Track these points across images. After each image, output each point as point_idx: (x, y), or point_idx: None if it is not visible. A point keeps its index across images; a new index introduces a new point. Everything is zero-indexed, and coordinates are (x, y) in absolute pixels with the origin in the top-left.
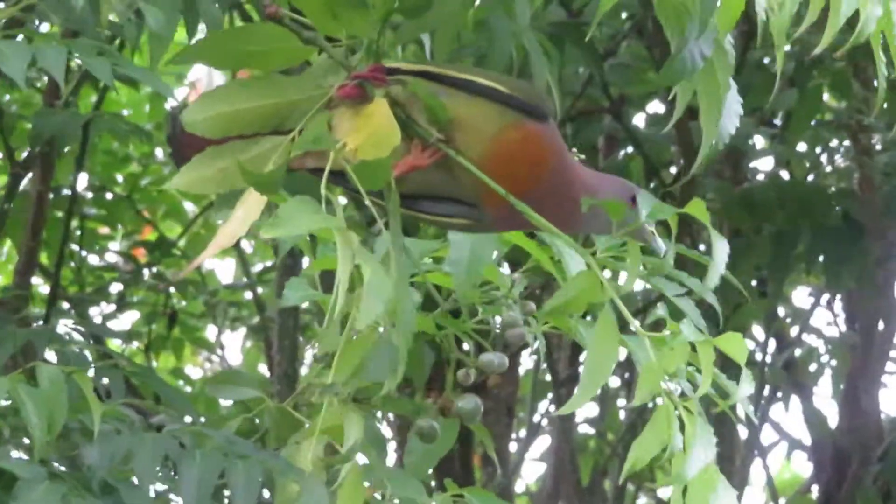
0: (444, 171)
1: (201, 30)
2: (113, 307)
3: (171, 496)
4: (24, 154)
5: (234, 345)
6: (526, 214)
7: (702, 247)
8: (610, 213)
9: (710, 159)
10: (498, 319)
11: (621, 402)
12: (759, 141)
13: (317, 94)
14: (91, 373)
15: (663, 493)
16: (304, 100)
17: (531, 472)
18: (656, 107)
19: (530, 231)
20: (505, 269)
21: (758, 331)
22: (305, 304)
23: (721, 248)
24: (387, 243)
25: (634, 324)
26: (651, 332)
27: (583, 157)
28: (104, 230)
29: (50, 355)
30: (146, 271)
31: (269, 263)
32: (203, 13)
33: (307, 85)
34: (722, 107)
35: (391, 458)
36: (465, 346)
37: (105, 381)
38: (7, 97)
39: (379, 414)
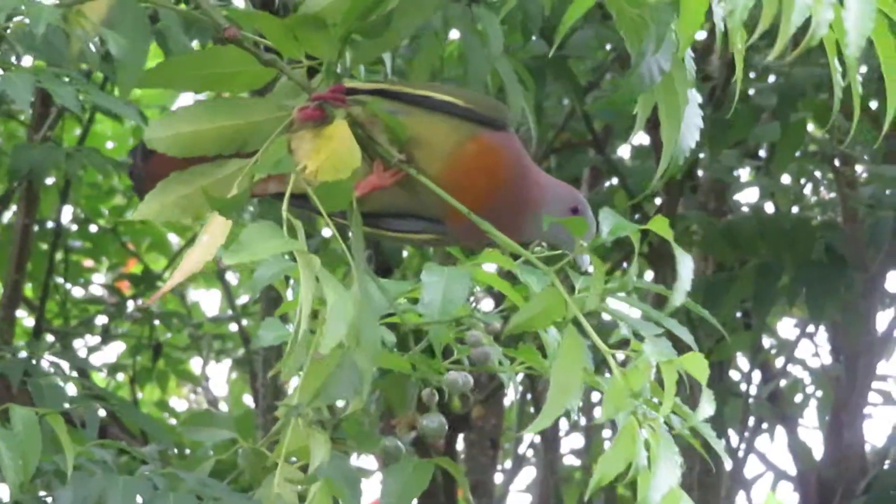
0: (406, 188)
1: None
2: (98, 339)
3: None
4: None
5: (219, 377)
6: (488, 233)
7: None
8: (573, 231)
9: (671, 174)
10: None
11: (607, 433)
12: (743, 173)
13: (279, 115)
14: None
15: None
16: (267, 121)
17: (516, 503)
18: (641, 138)
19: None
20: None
21: (743, 362)
22: None
23: (685, 265)
24: (352, 264)
25: (597, 341)
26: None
27: None
28: (89, 263)
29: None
30: (131, 304)
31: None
32: (171, 42)
33: (270, 107)
34: (681, 119)
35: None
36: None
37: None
38: None
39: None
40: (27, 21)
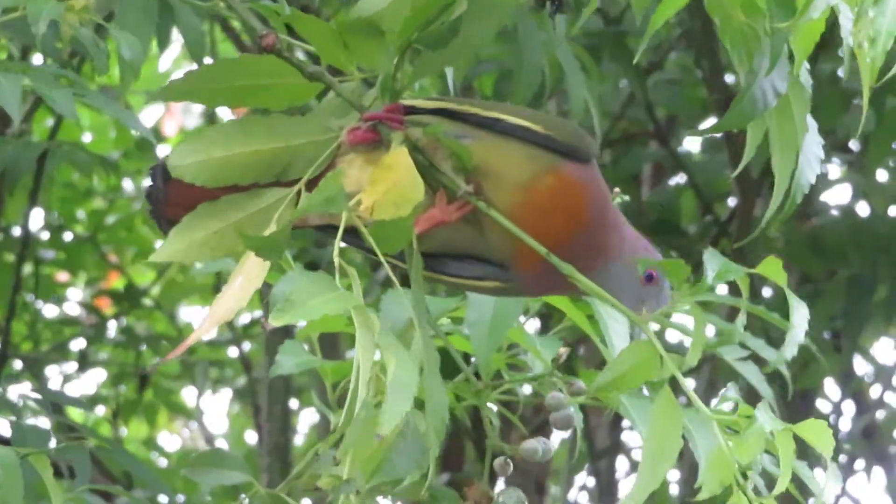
0: (470, 225)
1: (175, 39)
2: (74, 367)
3: None
4: None
5: (216, 410)
6: (571, 277)
7: (766, 291)
8: (670, 275)
9: (786, 215)
10: (527, 388)
11: (673, 474)
12: (831, 169)
13: (324, 138)
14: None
15: None
16: (310, 144)
17: None
18: None
19: (566, 295)
20: (532, 323)
21: (833, 390)
22: None
23: (800, 315)
24: (405, 311)
25: (699, 405)
26: (721, 415)
27: (626, 197)
28: (63, 277)
29: (4, 425)
30: (112, 324)
31: (256, 314)
32: (180, 24)
33: (314, 127)
34: (798, 152)
35: None
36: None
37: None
38: None
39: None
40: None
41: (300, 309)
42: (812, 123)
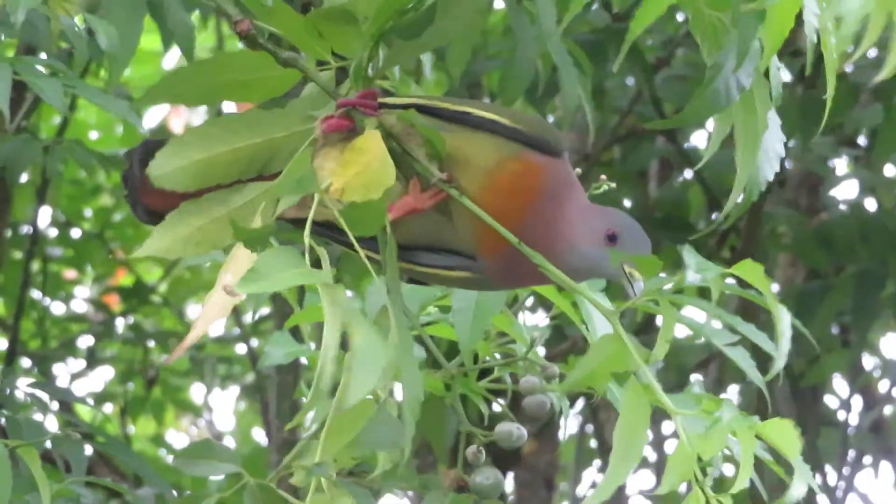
0: (441, 214)
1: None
2: (82, 364)
3: None
4: None
5: (224, 407)
6: (541, 266)
7: (774, 286)
8: (642, 271)
9: (741, 210)
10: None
11: None
12: (839, 164)
13: (303, 129)
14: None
15: None
16: (290, 136)
17: None
18: None
19: (532, 286)
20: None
21: (841, 386)
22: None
23: (786, 325)
24: (382, 298)
25: (665, 401)
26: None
27: (612, 185)
28: (71, 274)
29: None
30: (120, 321)
31: (264, 311)
32: (171, 23)
33: (293, 119)
34: (758, 146)
35: None
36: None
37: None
38: None
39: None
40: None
41: (267, 280)
42: (775, 121)
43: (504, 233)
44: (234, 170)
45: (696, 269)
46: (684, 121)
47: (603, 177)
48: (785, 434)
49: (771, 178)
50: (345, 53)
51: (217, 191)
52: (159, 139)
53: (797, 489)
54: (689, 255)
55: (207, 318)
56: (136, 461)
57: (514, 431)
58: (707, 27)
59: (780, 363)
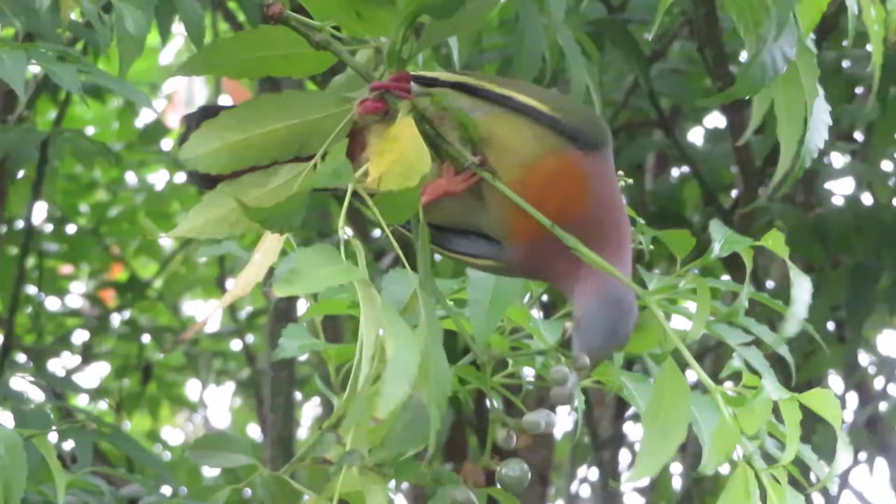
0: (472, 197)
1: (176, 31)
2: (77, 359)
3: None
4: None
5: (219, 403)
6: (574, 249)
7: (769, 283)
8: (673, 248)
9: (793, 180)
10: (530, 372)
11: (675, 467)
12: (835, 159)
13: (340, 111)
14: (54, 436)
15: None
16: (327, 118)
17: None
18: (715, 120)
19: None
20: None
21: (836, 382)
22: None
23: (802, 290)
24: (407, 286)
25: (703, 375)
26: (725, 387)
27: (629, 181)
28: (66, 269)
29: (5, 416)
30: (116, 317)
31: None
32: (181, 10)
33: (330, 101)
34: (808, 118)
35: None
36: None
37: (68, 444)
38: None
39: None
40: None
41: (305, 280)
42: (820, 89)
43: (537, 215)
44: (269, 152)
45: (724, 243)
46: (735, 95)
47: (620, 172)
48: (827, 404)
49: (821, 145)
50: (383, 35)
51: (253, 172)
52: (217, 105)
53: (843, 458)
54: (716, 229)
55: (234, 293)
56: (136, 448)
57: (541, 420)
58: (742, 3)
59: (794, 326)
